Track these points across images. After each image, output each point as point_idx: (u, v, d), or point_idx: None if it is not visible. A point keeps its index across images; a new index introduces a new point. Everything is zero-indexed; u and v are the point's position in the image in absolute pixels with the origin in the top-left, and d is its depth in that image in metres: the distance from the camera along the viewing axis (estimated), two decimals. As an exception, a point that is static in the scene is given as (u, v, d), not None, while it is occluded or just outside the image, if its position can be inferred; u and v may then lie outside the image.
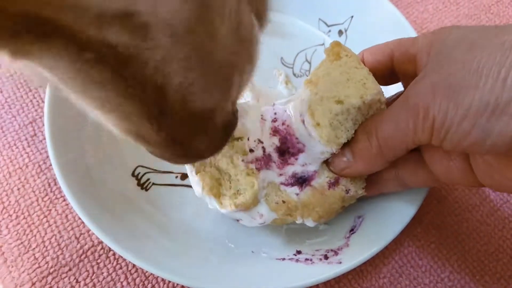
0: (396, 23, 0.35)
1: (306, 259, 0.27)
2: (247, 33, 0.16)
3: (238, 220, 0.27)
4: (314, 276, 0.25)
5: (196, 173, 0.26)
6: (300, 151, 0.25)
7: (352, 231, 0.28)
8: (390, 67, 0.27)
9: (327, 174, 0.26)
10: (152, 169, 0.32)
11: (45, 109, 0.29)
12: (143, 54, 0.13)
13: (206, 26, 0.14)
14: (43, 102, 0.35)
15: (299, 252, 0.28)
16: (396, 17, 0.35)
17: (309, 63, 0.37)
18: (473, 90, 0.19)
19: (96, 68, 0.13)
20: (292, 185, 0.26)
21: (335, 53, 0.26)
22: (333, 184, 0.26)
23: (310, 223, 0.26)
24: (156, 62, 0.13)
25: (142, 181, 0.31)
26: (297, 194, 0.26)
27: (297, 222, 0.26)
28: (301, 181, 0.26)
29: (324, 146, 0.24)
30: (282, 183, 0.26)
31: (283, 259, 0.27)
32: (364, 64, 0.26)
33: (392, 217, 0.28)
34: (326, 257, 0.27)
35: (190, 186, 0.28)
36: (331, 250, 0.27)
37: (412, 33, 0.34)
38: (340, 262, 0.26)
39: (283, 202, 0.25)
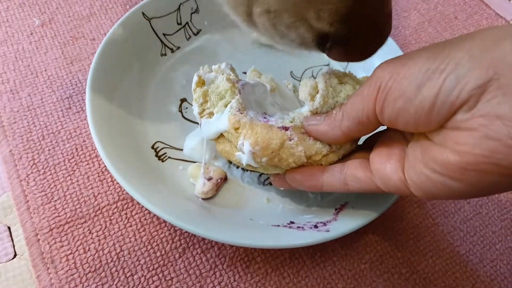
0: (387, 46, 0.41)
1: (298, 227, 0.30)
2: None
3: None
4: (304, 239, 0.29)
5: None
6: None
7: (341, 208, 0.32)
8: None
9: (284, 122, 0.29)
10: (168, 145, 0.36)
11: (87, 89, 0.34)
12: None
13: None
14: (80, 82, 0.40)
15: (292, 222, 0.31)
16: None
17: (314, 78, 0.42)
18: (417, 62, 0.22)
19: None
20: (255, 111, 0.30)
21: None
22: (283, 128, 0.29)
23: (247, 147, 0.28)
24: None
25: (159, 154, 0.35)
26: (251, 118, 0.29)
27: (237, 146, 0.29)
28: (264, 116, 0.30)
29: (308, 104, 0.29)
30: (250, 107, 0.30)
31: (278, 225, 0.31)
32: None
33: (377, 200, 0.32)
34: (316, 226, 0.30)
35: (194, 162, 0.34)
36: (321, 222, 0.31)
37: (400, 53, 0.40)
38: (328, 231, 0.29)
39: (240, 113, 0.29)
